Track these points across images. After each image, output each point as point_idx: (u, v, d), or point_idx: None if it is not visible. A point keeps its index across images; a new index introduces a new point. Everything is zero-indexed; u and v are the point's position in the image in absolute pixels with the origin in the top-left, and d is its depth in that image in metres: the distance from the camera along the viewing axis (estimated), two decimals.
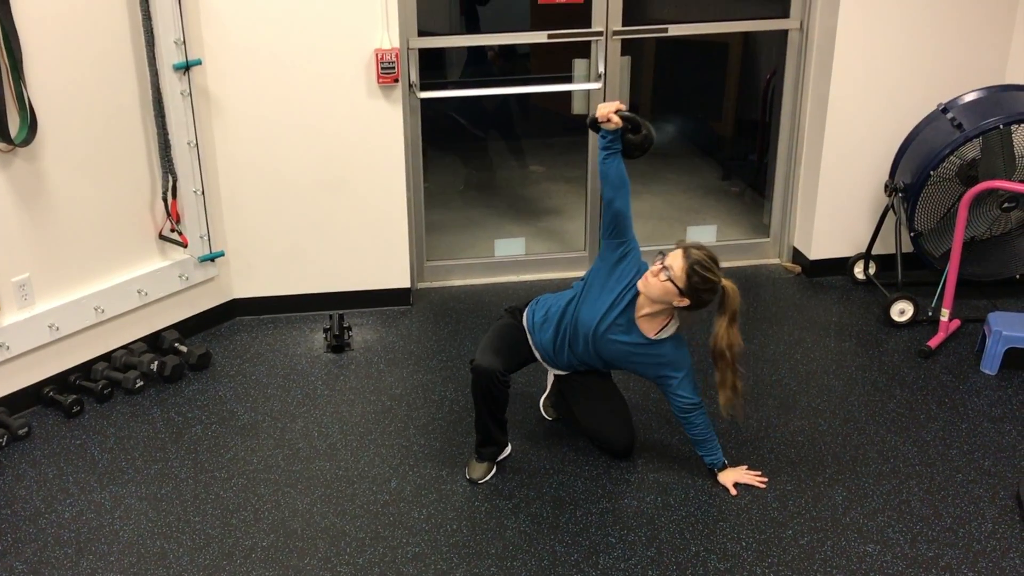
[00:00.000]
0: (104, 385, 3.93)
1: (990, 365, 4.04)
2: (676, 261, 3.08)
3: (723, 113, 6.59)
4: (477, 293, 4.90)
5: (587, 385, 3.53)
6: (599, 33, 4.65)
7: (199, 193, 4.23)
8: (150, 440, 3.69)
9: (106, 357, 4.09)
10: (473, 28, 6.41)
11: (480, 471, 3.41)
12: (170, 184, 4.12)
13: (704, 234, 5.27)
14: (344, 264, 4.60)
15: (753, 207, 5.74)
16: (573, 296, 3.37)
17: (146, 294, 4.16)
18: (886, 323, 4.46)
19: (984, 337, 4.13)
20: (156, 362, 4.04)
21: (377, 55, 4.21)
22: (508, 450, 3.51)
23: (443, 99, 5.54)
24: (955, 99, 4.47)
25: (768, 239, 5.23)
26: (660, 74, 6.67)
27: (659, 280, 3.10)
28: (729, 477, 3.35)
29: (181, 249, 4.25)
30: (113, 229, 4.03)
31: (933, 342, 4.21)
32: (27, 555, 3.08)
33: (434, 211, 5.40)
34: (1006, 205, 4.30)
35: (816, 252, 4.94)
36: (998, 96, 4.40)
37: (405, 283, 4.69)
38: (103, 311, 4.01)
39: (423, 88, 4.58)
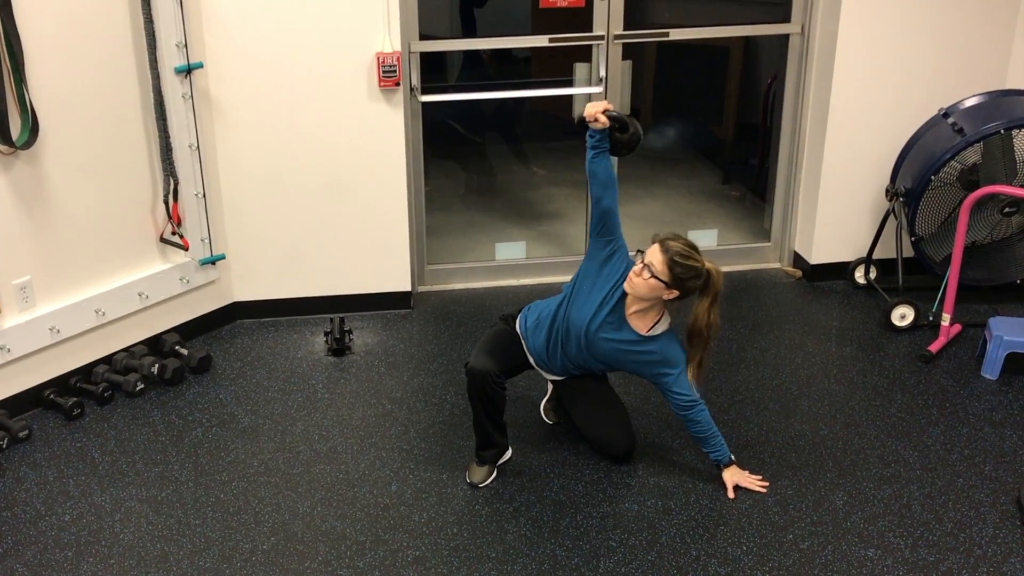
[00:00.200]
0: (105, 388, 3.93)
1: (991, 370, 4.04)
2: (655, 256, 3.10)
3: (724, 117, 6.59)
4: (478, 297, 4.90)
5: (584, 390, 3.52)
6: (600, 37, 4.66)
7: (200, 196, 4.23)
8: (150, 443, 3.68)
9: (107, 360, 4.09)
10: (470, 32, 6.41)
11: (481, 475, 3.41)
12: (171, 187, 4.12)
13: (705, 238, 5.27)
14: (345, 267, 4.60)
15: (754, 211, 5.74)
16: (563, 298, 3.37)
17: (147, 297, 4.16)
18: (887, 328, 4.46)
19: (985, 342, 4.13)
20: (157, 365, 4.04)
21: (378, 58, 4.22)
22: (509, 453, 3.51)
23: (442, 105, 5.54)
24: (956, 104, 4.47)
25: (769, 243, 5.23)
26: (661, 78, 6.68)
27: (643, 279, 3.11)
28: (732, 477, 3.35)
29: (182, 252, 4.25)
30: (114, 232, 4.03)
31: (934, 347, 4.21)
32: (27, 557, 3.08)
33: (435, 214, 5.40)
34: (1007, 210, 4.30)
35: (817, 256, 4.94)
36: (999, 101, 4.40)
37: (406, 286, 4.69)
38: (104, 314, 4.01)
39: (424, 92, 4.59)
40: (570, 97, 4.99)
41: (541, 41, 4.67)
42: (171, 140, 4.07)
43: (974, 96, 4.47)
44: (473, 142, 6.80)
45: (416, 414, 3.86)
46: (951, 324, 4.27)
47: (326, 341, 4.39)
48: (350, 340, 4.39)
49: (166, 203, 4.14)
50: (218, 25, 4.10)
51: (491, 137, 6.91)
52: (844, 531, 3.15)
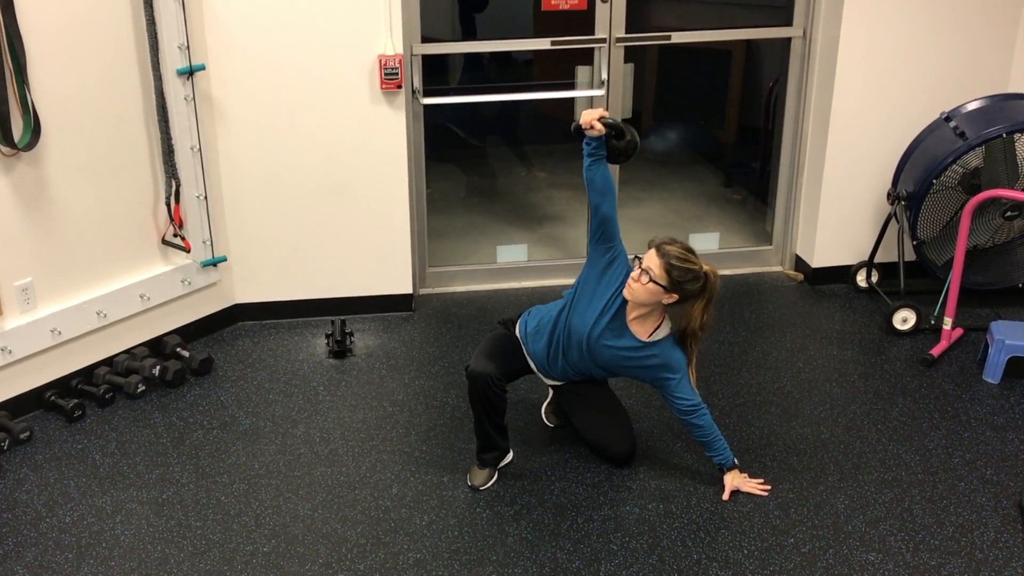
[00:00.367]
0: (106, 389, 3.93)
1: (992, 374, 4.04)
2: (653, 261, 3.10)
3: (726, 120, 6.60)
4: (479, 299, 4.90)
5: (584, 395, 3.52)
6: (602, 40, 4.66)
7: (202, 198, 4.23)
8: (151, 445, 3.68)
9: (108, 362, 4.09)
10: (469, 34, 6.42)
11: (482, 477, 3.41)
12: (173, 189, 4.12)
13: (706, 241, 5.27)
14: (346, 269, 4.60)
15: (756, 215, 5.74)
16: (564, 304, 3.37)
17: (148, 299, 4.16)
18: (888, 331, 4.45)
19: (987, 346, 4.13)
20: (158, 367, 4.04)
21: (381, 61, 4.22)
22: (510, 456, 3.51)
23: (443, 109, 5.54)
24: (958, 108, 4.47)
25: (771, 247, 5.23)
26: (663, 81, 6.68)
27: (642, 284, 3.11)
28: (733, 481, 3.35)
29: (183, 254, 4.25)
30: (116, 233, 4.03)
31: (936, 351, 4.21)
32: (28, 559, 3.08)
33: (436, 217, 5.40)
34: (1009, 214, 4.30)
35: (819, 260, 4.94)
36: (1001, 105, 4.40)
37: (407, 289, 4.69)
38: (105, 315, 4.01)
39: (426, 94, 4.59)
40: (572, 100, 4.98)
41: (543, 44, 4.67)
42: (173, 142, 4.07)
43: (976, 100, 4.47)
44: (474, 145, 6.80)
45: (417, 417, 3.86)
46: (953, 328, 4.27)
47: (327, 343, 4.39)
48: (351, 342, 4.39)
49: (168, 205, 4.14)
50: (220, 27, 4.10)
51: (492, 140, 6.91)
52: (845, 535, 3.15)
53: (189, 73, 4.04)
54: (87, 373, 4.02)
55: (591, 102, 4.81)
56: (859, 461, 3.53)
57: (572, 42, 4.69)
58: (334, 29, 4.18)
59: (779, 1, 5.09)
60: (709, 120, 6.82)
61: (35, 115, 3.58)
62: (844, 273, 4.93)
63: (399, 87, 4.28)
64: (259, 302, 4.61)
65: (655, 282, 3.09)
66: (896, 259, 4.56)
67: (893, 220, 4.60)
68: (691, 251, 3.14)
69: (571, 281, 3.40)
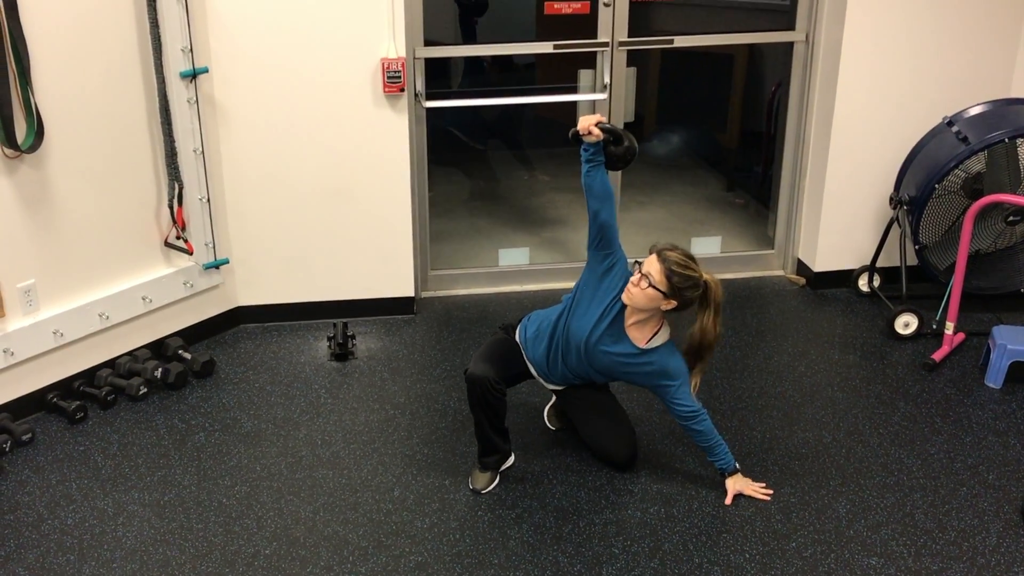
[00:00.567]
0: (108, 391, 3.93)
1: (994, 379, 4.04)
2: (653, 267, 3.09)
3: (728, 124, 6.60)
4: (481, 302, 4.90)
5: (586, 399, 3.52)
6: (605, 44, 4.67)
7: (204, 200, 4.24)
8: (153, 447, 3.68)
9: (110, 364, 4.09)
10: (470, 38, 6.41)
11: (483, 481, 3.41)
12: (176, 191, 4.12)
13: (708, 245, 5.27)
14: (348, 272, 4.60)
15: (758, 219, 5.74)
16: (563, 309, 3.37)
17: (150, 301, 4.17)
18: (890, 336, 4.45)
19: (989, 351, 4.13)
20: (160, 369, 4.05)
21: (383, 64, 4.22)
22: (512, 460, 3.51)
23: (445, 112, 5.53)
24: (960, 112, 4.47)
25: (773, 251, 5.23)
26: (665, 85, 6.68)
27: (641, 289, 3.11)
28: (735, 485, 3.35)
29: (186, 256, 4.25)
30: (118, 236, 4.03)
31: (937, 355, 4.21)
32: (30, 561, 3.08)
33: (438, 220, 5.41)
34: (1011, 219, 4.30)
35: (820, 264, 4.94)
36: (1004, 110, 4.40)
37: (409, 292, 4.69)
38: (107, 318, 4.01)
39: (429, 97, 4.59)
40: (574, 104, 4.99)
41: (546, 48, 4.68)
42: (176, 144, 4.08)
43: (978, 105, 4.47)
44: (476, 149, 6.80)
45: (419, 420, 3.86)
46: (955, 333, 4.26)
47: (329, 346, 4.39)
48: (353, 345, 4.39)
49: (171, 207, 4.15)
50: (223, 30, 4.11)
51: (494, 144, 6.91)
52: (847, 539, 3.15)
53: (192, 76, 4.05)
54: (89, 375, 4.02)
55: (593, 106, 4.82)
56: (861, 465, 3.53)
57: (575, 46, 4.69)
58: (337, 32, 4.18)
59: (782, 5, 5.10)
60: (711, 124, 6.82)
61: (38, 117, 3.58)
62: (846, 277, 4.93)
63: (402, 90, 4.28)
64: (261, 304, 4.61)
65: (654, 287, 3.09)
66: (898, 263, 4.56)
67: (895, 224, 4.60)
68: (692, 258, 3.14)
69: (573, 285, 3.40)
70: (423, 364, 4.28)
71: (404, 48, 4.27)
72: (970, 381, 4.09)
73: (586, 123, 3.14)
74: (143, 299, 4.14)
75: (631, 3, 4.63)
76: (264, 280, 4.56)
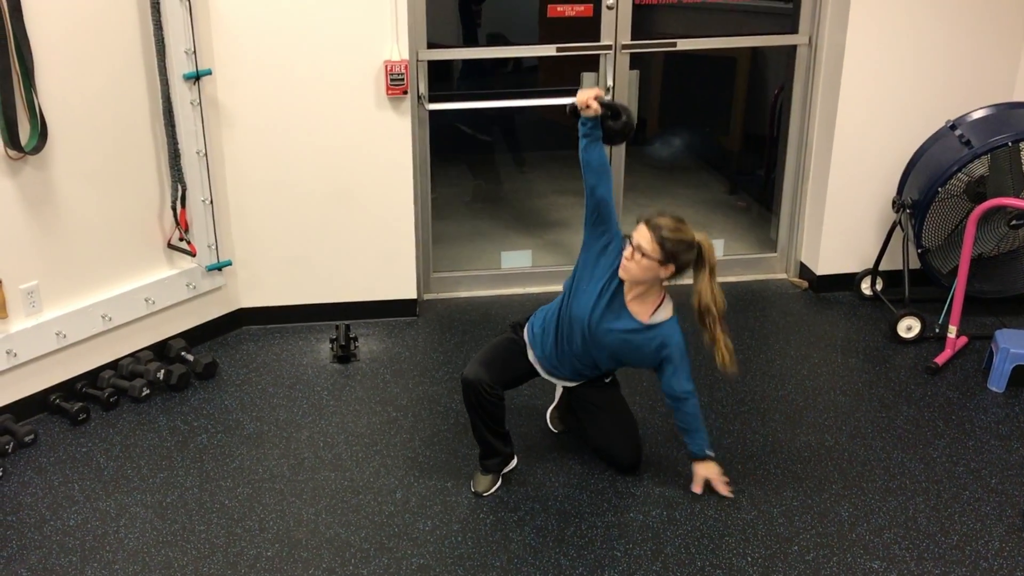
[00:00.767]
0: (110, 393, 3.94)
1: (997, 382, 4.03)
2: (644, 236, 3.06)
3: (731, 127, 6.60)
4: (483, 305, 4.90)
5: (597, 399, 3.51)
6: (608, 47, 4.67)
7: (207, 202, 4.24)
8: (156, 448, 3.69)
9: (113, 365, 4.09)
10: (471, 30, 6.41)
11: (485, 483, 3.41)
12: (179, 193, 4.13)
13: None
14: (351, 274, 4.60)
15: (760, 222, 5.74)
16: (564, 295, 3.35)
17: (153, 303, 4.17)
18: (893, 339, 4.45)
19: (991, 354, 4.12)
20: (162, 370, 4.05)
21: (386, 66, 4.23)
22: (514, 462, 3.50)
23: (451, 110, 5.53)
24: (963, 116, 4.47)
25: (775, 254, 5.23)
26: (668, 88, 6.69)
27: (636, 261, 3.08)
28: (706, 471, 3.33)
29: (188, 258, 4.25)
30: (121, 237, 4.04)
31: (940, 359, 4.20)
32: (32, 562, 3.08)
33: (441, 222, 5.41)
34: (1014, 222, 4.29)
35: (823, 267, 4.94)
36: (1007, 113, 4.40)
37: (411, 294, 4.69)
38: (110, 319, 4.01)
39: (432, 100, 4.60)
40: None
41: (549, 50, 4.68)
42: (179, 146, 4.08)
43: (982, 108, 4.47)
44: (478, 149, 6.80)
45: (421, 422, 3.86)
46: (957, 336, 4.26)
47: (331, 348, 4.39)
48: (355, 347, 4.39)
49: (174, 209, 4.15)
50: (227, 32, 4.11)
51: (498, 146, 6.91)
52: (849, 543, 3.14)
53: (196, 78, 4.05)
54: (92, 376, 4.02)
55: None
56: (863, 469, 3.53)
57: (578, 49, 4.69)
58: (340, 35, 4.19)
59: (785, 8, 5.10)
60: (714, 127, 6.83)
61: (42, 119, 3.59)
62: (849, 281, 4.92)
63: (405, 93, 4.29)
64: (264, 306, 4.61)
65: (648, 257, 3.05)
66: (901, 267, 4.56)
67: (898, 228, 4.60)
68: (681, 220, 3.10)
69: None
70: (425, 366, 4.28)
71: (407, 50, 4.28)
72: (973, 385, 4.08)
73: (585, 97, 3.11)
74: (146, 300, 4.14)
75: (634, 6, 4.63)
76: (267, 282, 4.57)
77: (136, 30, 3.89)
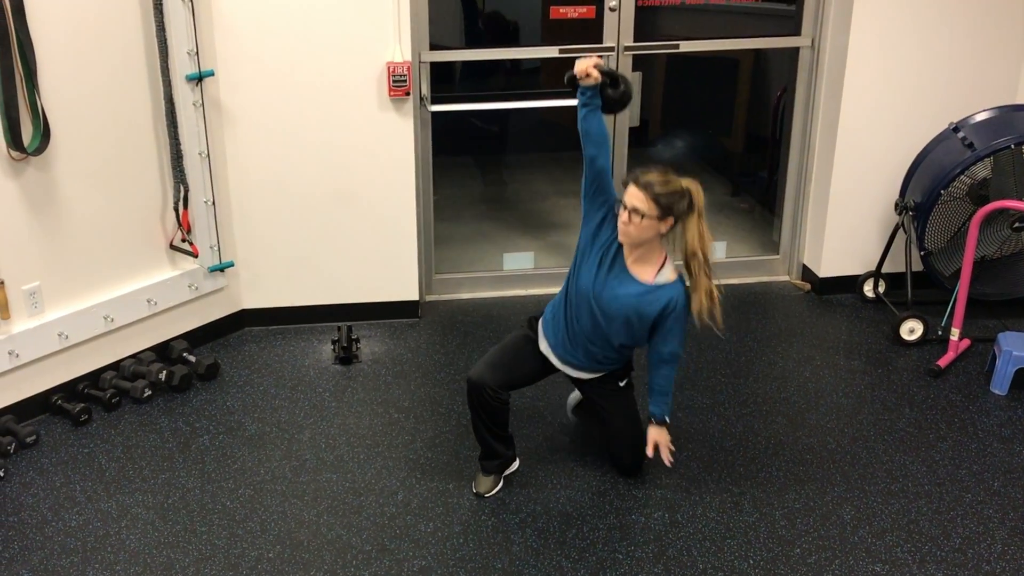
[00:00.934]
0: (112, 394, 3.94)
1: (1000, 385, 4.03)
2: (636, 197, 3.04)
3: (733, 129, 6.59)
4: (485, 306, 4.89)
5: (608, 406, 3.44)
6: (611, 49, 4.66)
7: (210, 203, 4.24)
8: (157, 449, 3.69)
9: (115, 366, 4.09)
10: (473, 22, 6.40)
11: (486, 484, 3.40)
12: (181, 194, 4.13)
13: (713, 250, 5.25)
14: (353, 276, 4.60)
15: (763, 224, 5.74)
16: (569, 274, 3.32)
17: (155, 303, 4.17)
18: (895, 342, 4.44)
19: (994, 357, 4.12)
20: (164, 371, 4.05)
21: (389, 68, 4.23)
22: (515, 464, 3.50)
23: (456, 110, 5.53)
24: (966, 118, 4.46)
25: (778, 256, 5.23)
26: (671, 90, 6.68)
27: (634, 224, 3.05)
28: (660, 436, 3.32)
29: (191, 259, 4.25)
30: (123, 238, 4.04)
31: (943, 361, 4.20)
32: (34, 563, 3.08)
33: (443, 224, 5.41)
34: (1017, 225, 4.29)
35: (826, 270, 4.93)
36: (1010, 116, 4.39)
37: (414, 295, 4.69)
38: (112, 320, 4.01)
39: (434, 101, 4.60)
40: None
41: (551, 52, 4.68)
42: (181, 147, 4.08)
43: (984, 111, 4.46)
44: (482, 149, 6.80)
45: (423, 423, 3.85)
46: (960, 339, 4.26)
47: (333, 349, 4.39)
48: (357, 349, 4.39)
49: (176, 210, 4.15)
50: (229, 33, 4.11)
51: (501, 147, 6.91)
52: (851, 546, 3.14)
53: (198, 79, 4.05)
54: (94, 377, 4.02)
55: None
56: (865, 471, 3.52)
57: (580, 50, 4.69)
58: (343, 36, 4.19)
59: (788, 10, 5.09)
60: (717, 129, 6.82)
61: (45, 119, 3.59)
62: (851, 283, 4.92)
63: (407, 94, 4.28)
64: (266, 307, 4.61)
65: (646, 216, 3.03)
66: (903, 269, 4.56)
67: (901, 230, 4.59)
68: (667, 171, 3.09)
69: None
70: (427, 368, 4.28)
71: (410, 52, 4.28)
72: (975, 387, 4.08)
73: (585, 65, 3.09)
74: (148, 301, 4.14)
75: (637, 8, 4.63)
76: (269, 283, 4.57)
77: (139, 31, 3.89)
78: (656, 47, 4.83)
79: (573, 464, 3.58)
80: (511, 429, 3.43)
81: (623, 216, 3.07)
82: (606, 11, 4.62)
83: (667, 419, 3.33)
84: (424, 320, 4.74)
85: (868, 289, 4.87)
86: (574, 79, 3.13)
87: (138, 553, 3.12)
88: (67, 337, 3.86)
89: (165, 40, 3.92)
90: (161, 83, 3.98)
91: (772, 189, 5.59)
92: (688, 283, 3.19)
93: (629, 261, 3.18)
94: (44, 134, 3.60)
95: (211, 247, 4.31)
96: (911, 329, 4.42)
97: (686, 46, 4.79)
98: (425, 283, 4.92)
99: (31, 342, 3.75)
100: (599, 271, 3.20)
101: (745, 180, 6.42)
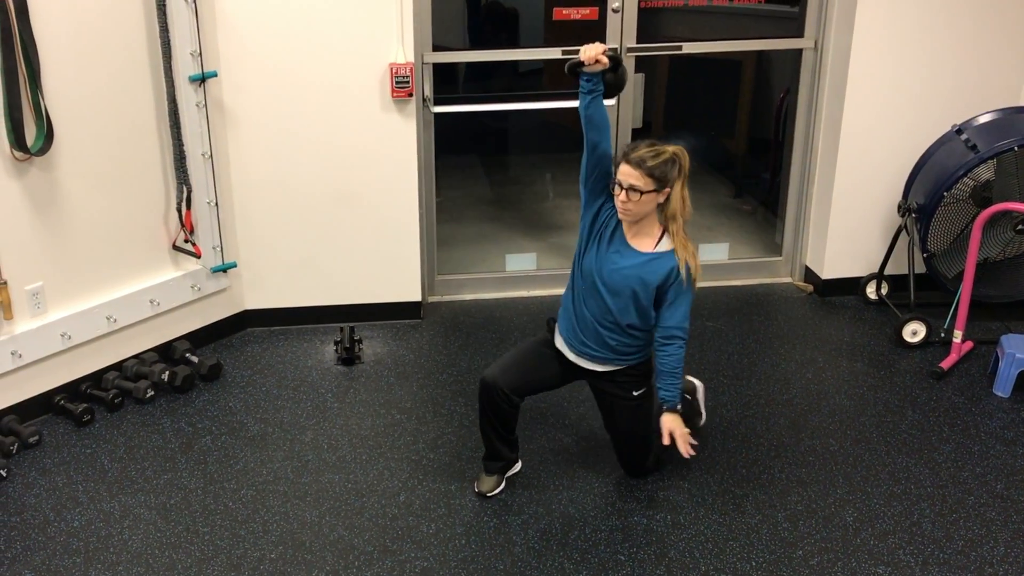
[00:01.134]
0: (115, 394, 3.94)
1: (1003, 387, 4.02)
2: (631, 175, 3.04)
3: (736, 131, 6.59)
4: (488, 307, 4.90)
5: (620, 415, 3.40)
6: (613, 50, 4.65)
7: (212, 204, 4.24)
8: (160, 450, 3.69)
9: (117, 366, 4.10)
10: (477, 41, 6.41)
11: (489, 484, 3.40)
12: (184, 195, 4.13)
13: (716, 252, 5.26)
14: (355, 277, 4.60)
15: (765, 226, 5.73)
16: (573, 263, 3.32)
17: (158, 304, 4.17)
18: (898, 344, 4.44)
19: (997, 359, 4.11)
20: (167, 372, 4.05)
21: (392, 69, 4.23)
22: (518, 466, 3.50)
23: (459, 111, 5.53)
24: (970, 120, 4.46)
25: (780, 258, 5.22)
26: (673, 92, 6.68)
27: (633, 201, 3.06)
28: (673, 423, 3.16)
29: (194, 260, 4.26)
30: (126, 239, 4.04)
31: (945, 363, 4.19)
32: (36, 563, 3.08)
33: (446, 225, 5.41)
34: (1020, 227, 4.28)
35: (828, 271, 4.93)
36: (1013, 118, 4.39)
37: (416, 296, 4.69)
38: (115, 320, 4.02)
39: (437, 102, 4.60)
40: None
41: (554, 53, 4.68)
42: (184, 148, 4.09)
43: (988, 113, 4.46)
44: (484, 150, 6.81)
45: (425, 424, 3.85)
46: (963, 341, 4.25)
47: (336, 350, 4.39)
48: (360, 349, 4.39)
49: (179, 211, 4.15)
50: (232, 34, 4.12)
51: (504, 148, 6.92)
52: (854, 548, 3.14)
53: (201, 80, 4.06)
54: (96, 378, 4.02)
55: None
56: (868, 473, 3.52)
57: None
58: (346, 37, 4.19)
59: (791, 12, 5.09)
60: (719, 130, 6.82)
61: (48, 120, 3.59)
62: (854, 285, 4.91)
63: (410, 95, 4.29)
64: (268, 308, 4.62)
65: (644, 191, 3.04)
66: (906, 271, 4.55)
67: (903, 232, 4.59)
68: (654, 143, 3.10)
69: None
70: (429, 369, 4.28)
71: (412, 53, 4.28)
72: (978, 390, 4.07)
73: (594, 52, 3.08)
74: (151, 302, 4.14)
75: (639, 9, 4.63)
76: (271, 284, 4.57)
77: (142, 32, 3.90)
78: (659, 49, 4.83)
79: (575, 466, 3.57)
80: (516, 434, 3.42)
81: (620, 195, 3.08)
82: (609, 12, 4.62)
83: (679, 406, 3.21)
84: (426, 321, 4.74)
85: (871, 291, 4.87)
86: (578, 66, 3.13)
87: (140, 554, 3.12)
88: (70, 337, 3.86)
89: (168, 41, 3.93)
90: (164, 84, 3.99)
91: (775, 191, 5.59)
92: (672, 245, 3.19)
93: (629, 235, 3.19)
94: (47, 135, 3.60)
95: (214, 248, 4.31)
96: (914, 331, 4.42)
97: (689, 48, 4.79)
98: (428, 284, 4.92)
99: (34, 342, 3.75)
100: (599, 248, 3.20)
101: (748, 182, 6.42)
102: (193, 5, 3.93)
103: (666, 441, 3.16)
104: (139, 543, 3.17)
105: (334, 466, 3.58)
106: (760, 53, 6.13)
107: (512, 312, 4.83)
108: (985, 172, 4.27)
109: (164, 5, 3.87)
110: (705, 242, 5.42)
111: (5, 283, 3.64)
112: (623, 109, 4.78)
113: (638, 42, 4.68)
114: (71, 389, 3.95)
